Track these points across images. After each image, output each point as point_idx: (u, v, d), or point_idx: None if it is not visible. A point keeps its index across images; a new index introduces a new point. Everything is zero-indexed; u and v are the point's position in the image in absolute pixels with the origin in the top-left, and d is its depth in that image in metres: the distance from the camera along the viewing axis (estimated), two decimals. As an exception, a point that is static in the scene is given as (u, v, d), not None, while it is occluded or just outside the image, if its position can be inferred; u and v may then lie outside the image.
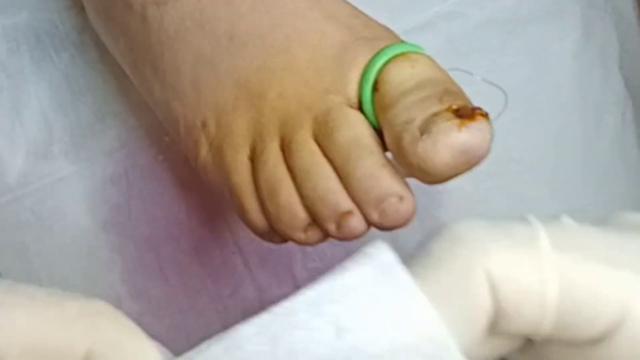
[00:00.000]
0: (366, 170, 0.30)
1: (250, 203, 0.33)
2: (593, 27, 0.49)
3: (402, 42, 0.32)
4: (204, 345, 0.24)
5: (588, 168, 0.49)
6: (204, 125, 0.34)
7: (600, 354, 0.23)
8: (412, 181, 0.30)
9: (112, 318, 0.24)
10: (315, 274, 0.47)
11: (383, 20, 0.34)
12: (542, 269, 0.23)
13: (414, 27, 0.47)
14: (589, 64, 0.49)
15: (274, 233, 0.33)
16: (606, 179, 0.50)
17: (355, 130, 0.30)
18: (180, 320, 0.46)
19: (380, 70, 0.31)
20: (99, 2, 0.38)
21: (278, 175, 0.31)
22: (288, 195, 0.31)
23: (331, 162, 0.31)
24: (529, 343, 0.24)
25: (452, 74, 0.31)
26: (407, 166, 0.29)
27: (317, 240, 0.32)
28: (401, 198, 0.30)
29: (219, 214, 0.46)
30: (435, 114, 0.28)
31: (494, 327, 0.23)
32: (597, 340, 0.23)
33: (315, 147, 0.31)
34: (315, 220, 0.31)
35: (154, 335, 0.46)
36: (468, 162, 0.28)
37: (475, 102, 0.29)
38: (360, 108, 0.31)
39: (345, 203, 0.30)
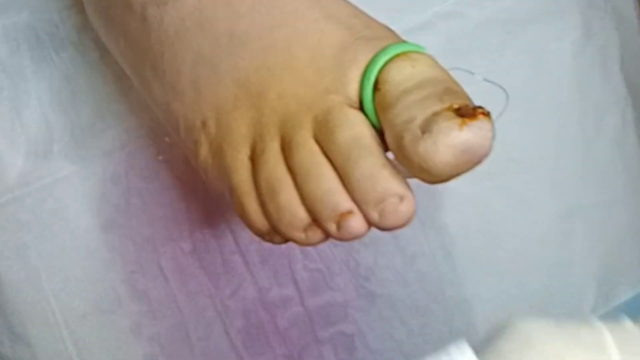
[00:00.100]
0: (366, 170, 0.30)
1: (251, 203, 0.33)
2: (593, 27, 0.49)
3: (403, 41, 0.32)
4: None
5: (588, 168, 0.49)
6: (204, 125, 0.34)
7: None
8: (411, 181, 0.30)
9: None
10: (315, 275, 0.47)
11: (383, 20, 0.34)
12: None
13: (414, 27, 0.47)
14: (589, 64, 0.49)
15: (274, 233, 0.33)
16: (606, 179, 0.50)
17: (355, 130, 0.30)
18: (180, 321, 0.46)
19: (381, 70, 0.31)
20: (99, 2, 0.38)
21: (278, 175, 0.31)
22: (288, 195, 0.31)
23: (331, 162, 0.31)
24: None
25: (453, 74, 0.31)
26: (408, 166, 0.29)
27: (318, 240, 0.32)
28: (402, 198, 0.30)
29: (219, 214, 0.46)
30: (436, 113, 0.28)
31: None
32: None
33: (315, 147, 0.31)
34: (315, 220, 0.31)
35: (154, 335, 0.46)
36: (469, 161, 0.28)
37: (476, 102, 0.29)
38: (361, 108, 0.31)
39: (346, 203, 0.30)
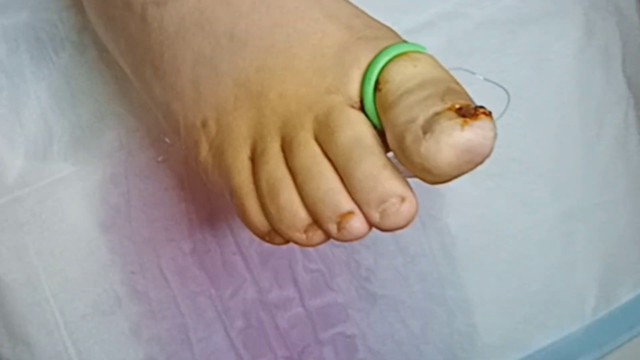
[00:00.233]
0: (367, 170, 0.29)
1: (251, 203, 0.33)
2: (595, 27, 0.49)
3: (404, 41, 0.32)
4: None
5: (589, 168, 0.49)
6: (204, 125, 0.34)
7: None
8: (412, 181, 0.30)
9: None
10: (316, 275, 0.47)
11: (383, 21, 0.34)
12: None
13: (414, 27, 0.47)
14: (590, 64, 0.49)
15: (275, 234, 0.33)
16: (608, 179, 0.50)
17: (356, 130, 0.30)
18: (180, 321, 0.46)
19: (382, 70, 0.31)
20: (99, 2, 0.38)
21: (279, 176, 0.31)
22: (289, 195, 0.31)
23: (332, 162, 0.30)
24: None
25: (454, 74, 0.31)
26: (409, 166, 0.29)
27: (318, 241, 0.32)
28: (403, 199, 0.30)
29: (219, 214, 0.46)
30: (438, 113, 0.28)
31: None
32: None
33: (316, 148, 0.31)
34: (316, 220, 0.31)
35: (154, 336, 0.46)
36: (471, 161, 0.28)
37: (477, 102, 0.29)
38: (362, 108, 0.31)
39: (346, 203, 0.30)
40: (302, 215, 0.31)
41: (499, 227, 0.48)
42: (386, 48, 0.31)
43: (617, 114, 0.50)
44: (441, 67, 0.31)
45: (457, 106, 0.28)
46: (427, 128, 0.28)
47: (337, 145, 0.30)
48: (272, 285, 0.47)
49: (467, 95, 0.29)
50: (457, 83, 0.30)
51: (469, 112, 0.28)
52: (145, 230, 0.46)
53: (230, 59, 0.33)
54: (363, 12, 0.33)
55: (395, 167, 0.30)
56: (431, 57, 0.31)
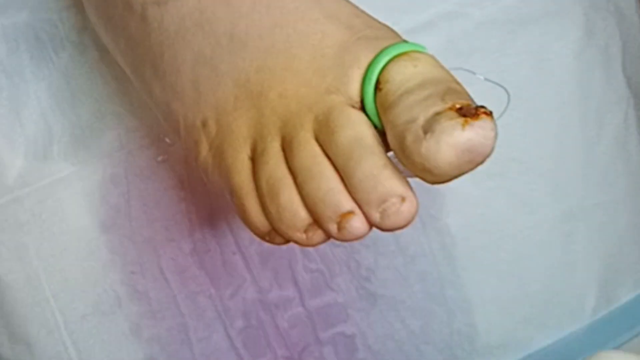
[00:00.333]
0: (368, 170, 0.29)
1: (251, 203, 0.33)
2: (595, 27, 0.49)
3: (404, 41, 0.32)
4: None
5: (589, 168, 0.49)
6: (204, 125, 0.34)
7: None
8: (412, 181, 0.30)
9: None
10: (316, 275, 0.47)
11: (383, 20, 0.34)
12: None
13: (414, 27, 0.47)
14: (590, 64, 0.49)
15: (275, 234, 0.33)
16: (608, 179, 0.50)
17: (356, 130, 0.30)
18: (180, 321, 0.46)
19: (383, 70, 0.31)
20: (99, 2, 0.38)
21: (279, 176, 0.31)
22: (289, 195, 0.31)
23: (332, 162, 0.30)
24: None
25: (454, 73, 0.31)
26: (410, 166, 0.29)
27: (318, 241, 0.32)
28: (403, 198, 0.30)
29: (219, 214, 0.46)
30: (438, 113, 0.28)
31: None
32: None
33: (316, 147, 0.31)
34: (316, 220, 0.31)
35: (154, 336, 0.46)
36: (472, 161, 0.28)
37: (478, 102, 0.29)
38: (362, 108, 0.31)
39: (347, 203, 0.30)
40: (303, 215, 0.31)
41: (499, 227, 0.48)
42: (386, 48, 0.31)
43: (617, 114, 0.50)
44: (441, 67, 0.31)
45: (458, 106, 0.28)
46: (428, 128, 0.28)
47: (338, 145, 0.30)
48: (272, 285, 0.47)
49: (468, 95, 0.29)
50: (458, 83, 0.30)
51: (469, 111, 0.28)
52: (145, 230, 0.45)
53: (230, 59, 0.33)
54: (363, 12, 0.33)
55: (395, 167, 0.30)
56: (431, 57, 0.31)
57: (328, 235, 0.31)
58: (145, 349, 0.46)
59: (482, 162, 0.28)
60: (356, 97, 0.31)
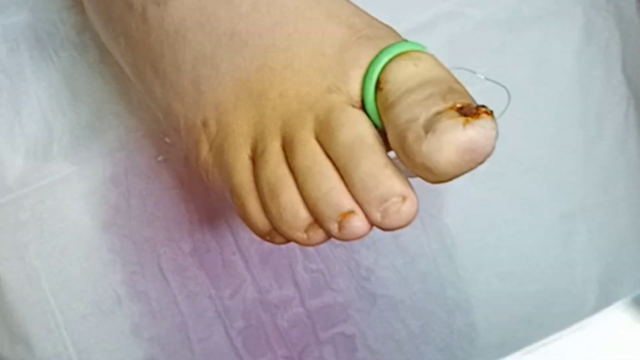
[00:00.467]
0: (368, 169, 0.30)
1: (252, 203, 0.33)
2: (595, 27, 0.49)
3: (405, 40, 0.32)
4: None
5: (590, 168, 0.49)
6: (204, 124, 0.34)
7: None
8: (412, 181, 0.30)
9: None
10: (316, 275, 0.47)
11: (384, 21, 0.34)
12: None
13: (414, 27, 0.47)
14: (590, 63, 0.49)
15: (275, 233, 0.33)
16: (608, 179, 0.50)
17: (357, 129, 0.30)
18: (180, 321, 0.46)
19: (383, 69, 0.31)
20: (99, 2, 0.38)
21: (279, 175, 0.31)
22: (289, 195, 0.31)
23: (333, 161, 0.30)
24: None
25: (454, 73, 0.31)
26: (411, 165, 0.29)
27: (319, 240, 0.32)
28: (404, 198, 0.30)
29: (219, 214, 0.46)
30: (439, 113, 0.28)
31: None
32: None
33: (317, 147, 0.31)
34: (317, 220, 0.31)
35: (154, 336, 0.46)
36: (473, 160, 0.28)
37: (478, 102, 0.29)
38: (363, 107, 0.31)
39: (347, 203, 0.30)
40: (303, 214, 0.31)
41: (499, 227, 0.48)
42: (387, 47, 0.31)
43: (617, 114, 0.50)
44: (442, 66, 0.31)
45: (459, 105, 0.28)
46: (429, 127, 0.28)
47: (338, 144, 0.30)
48: (272, 285, 0.47)
49: (469, 95, 0.30)
50: (458, 82, 0.30)
51: (470, 111, 0.28)
52: (145, 230, 0.45)
53: (231, 59, 0.33)
54: (364, 12, 0.34)
55: (396, 167, 0.30)
56: (432, 56, 0.31)
57: (329, 235, 0.31)
58: (145, 349, 0.46)
59: (483, 162, 0.28)
60: (357, 96, 0.31)
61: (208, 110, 0.34)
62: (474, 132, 0.28)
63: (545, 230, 0.49)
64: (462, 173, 0.29)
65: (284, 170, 0.31)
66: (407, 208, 0.30)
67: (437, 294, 0.48)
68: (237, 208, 0.33)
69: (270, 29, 0.33)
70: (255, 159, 0.32)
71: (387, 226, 0.30)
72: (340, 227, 0.30)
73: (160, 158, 0.46)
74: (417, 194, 0.30)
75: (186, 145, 0.36)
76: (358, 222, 0.30)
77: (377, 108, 0.31)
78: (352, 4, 0.34)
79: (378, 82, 0.31)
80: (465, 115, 0.28)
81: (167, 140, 0.46)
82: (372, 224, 0.30)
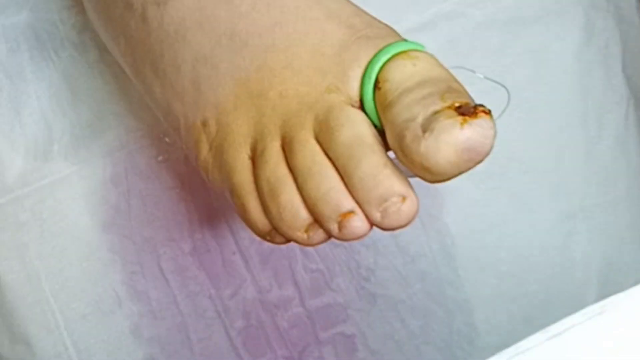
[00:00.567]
0: (368, 169, 0.30)
1: (251, 203, 0.33)
2: (595, 27, 0.49)
3: (404, 40, 0.32)
4: None
5: (590, 168, 0.49)
6: (204, 124, 0.34)
7: None
8: (412, 181, 0.30)
9: None
10: (316, 275, 0.47)
11: (383, 20, 0.34)
12: None
13: (414, 27, 0.47)
14: (590, 64, 0.49)
15: (275, 233, 0.33)
16: (608, 179, 0.50)
17: (356, 129, 0.30)
18: (180, 321, 0.46)
19: (382, 69, 0.31)
20: (99, 2, 0.38)
21: (279, 175, 0.31)
22: (289, 194, 0.31)
23: (333, 161, 0.30)
24: None
25: (454, 72, 0.31)
26: (409, 165, 0.29)
27: (319, 240, 0.32)
28: (404, 198, 0.30)
29: (219, 214, 0.46)
30: (438, 112, 0.28)
31: None
32: None
33: (316, 147, 0.31)
34: (316, 220, 0.31)
35: (154, 336, 0.46)
36: (471, 160, 0.28)
37: (478, 101, 0.29)
38: (362, 107, 0.31)
39: (347, 203, 0.30)
40: (303, 214, 0.31)
41: (499, 226, 0.48)
42: (386, 47, 0.31)
43: (617, 114, 0.50)
44: (441, 66, 0.31)
45: (457, 105, 0.28)
46: (427, 127, 0.28)
47: (338, 144, 0.30)
48: (272, 285, 0.46)
49: (467, 94, 0.30)
50: (457, 82, 0.30)
51: (468, 110, 0.28)
52: (145, 230, 0.45)
53: (231, 59, 0.33)
54: (363, 12, 0.34)
55: (396, 166, 0.30)
56: (431, 55, 0.31)
57: (329, 235, 0.31)
58: (145, 349, 0.46)
59: (481, 161, 0.28)
60: (356, 96, 0.31)
61: (208, 110, 0.34)
62: (472, 132, 0.28)
63: (545, 230, 0.49)
64: (461, 172, 0.29)
65: (283, 170, 0.31)
66: (407, 208, 0.30)
67: (437, 294, 0.48)
68: (237, 208, 0.33)
69: (269, 29, 0.33)
70: (255, 159, 0.32)
71: (387, 226, 0.30)
72: (340, 227, 0.30)
73: (160, 158, 0.46)
74: (417, 194, 0.30)
75: (186, 145, 0.36)
76: (358, 222, 0.30)
77: (376, 107, 0.31)
78: (352, 3, 0.34)
79: (377, 82, 0.31)
80: (463, 114, 0.28)
81: (167, 140, 0.46)
82: (372, 224, 0.30)
